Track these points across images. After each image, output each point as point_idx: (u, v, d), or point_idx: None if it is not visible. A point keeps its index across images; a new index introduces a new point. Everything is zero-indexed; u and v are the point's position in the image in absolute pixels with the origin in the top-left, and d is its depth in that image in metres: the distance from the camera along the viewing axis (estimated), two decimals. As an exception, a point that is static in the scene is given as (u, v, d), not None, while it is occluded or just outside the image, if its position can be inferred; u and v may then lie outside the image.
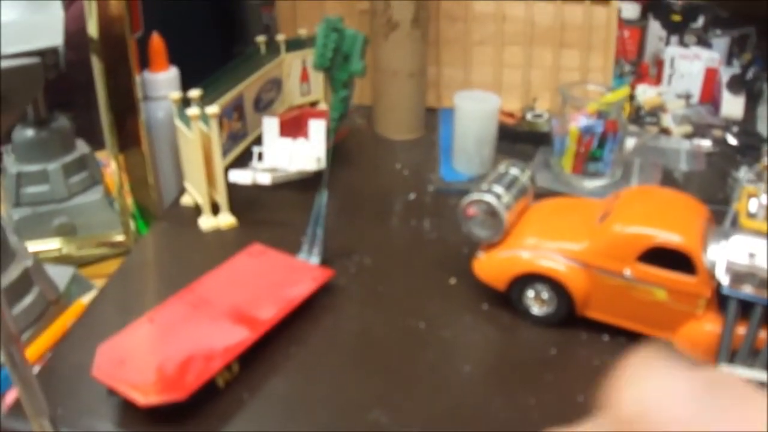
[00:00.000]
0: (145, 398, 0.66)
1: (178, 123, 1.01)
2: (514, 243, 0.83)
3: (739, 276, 0.71)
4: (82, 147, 1.15)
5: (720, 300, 0.73)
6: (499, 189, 0.83)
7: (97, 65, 1.00)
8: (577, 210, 0.86)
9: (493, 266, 0.83)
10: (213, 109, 0.94)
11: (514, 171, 0.87)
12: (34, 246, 1.08)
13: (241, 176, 1.00)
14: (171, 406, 0.67)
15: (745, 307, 0.71)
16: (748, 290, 0.71)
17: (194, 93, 0.99)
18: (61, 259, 1.09)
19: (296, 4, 1.37)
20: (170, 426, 0.68)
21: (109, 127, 1.04)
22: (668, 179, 1.13)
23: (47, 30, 1.03)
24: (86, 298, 0.96)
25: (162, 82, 1.10)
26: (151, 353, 0.72)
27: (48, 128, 1.10)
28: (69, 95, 1.26)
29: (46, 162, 1.09)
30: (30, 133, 1.09)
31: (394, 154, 1.23)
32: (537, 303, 0.81)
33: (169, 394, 0.67)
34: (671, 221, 0.76)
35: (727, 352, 0.69)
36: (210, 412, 0.70)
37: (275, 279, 0.85)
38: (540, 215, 0.87)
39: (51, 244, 1.11)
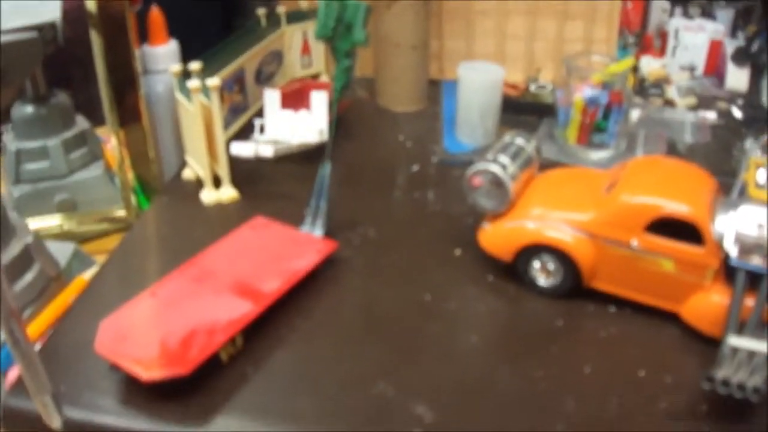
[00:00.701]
0: (147, 373, 0.66)
1: (179, 96, 1.00)
2: (519, 213, 0.82)
3: (747, 247, 0.71)
4: (81, 123, 1.15)
5: (728, 271, 0.72)
6: (504, 159, 0.82)
7: (96, 40, 1.00)
8: (583, 180, 0.85)
9: (498, 237, 0.83)
10: (214, 81, 0.93)
11: (519, 141, 0.86)
12: (34, 223, 1.08)
13: (243, 149, 0.99)
14: (174, 381, 0.66)
15: (754, 279, 0.70)
16: (756, 261, 0.70)
17: (195, 66, 0.98)
18: (62, 236, 1.09)
19: (297, -25, 1.36)
20: (173, 401, 0.67)
21: (109, 102, 1.03)
22: (673, 151, 1.13)
23: (45, 4, 1.02)
24: (87, 274, 0.96)
25: (162, 56, 1.10)
26: (154, 328, 0.71)
27: (47, 104, 1.10)
28: (67, 70, 1.26)
29: (46, 138, 1.09)
30: (29, 109, 1.09)
31: (396, 125, 1.23)
32: (543, 274, 0.81)
33: (172, 368, 0.66)
34: (679, 191, 0.75)
35: (736, 323, 0.68)
36: (214, 386, 0.69)
37: (279, 251, 0.84)
38: (546, 185, 0.86)
39: (52, 221, 1.11)
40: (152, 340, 0.69)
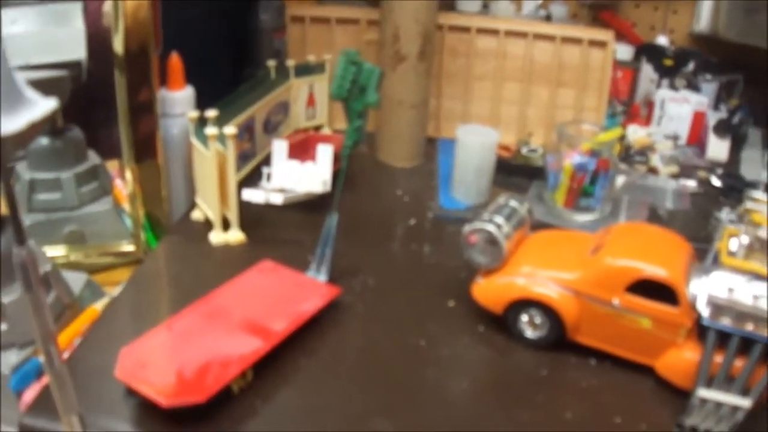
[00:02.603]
0: (166, 400, 0.71)
1: (195, 141, 1.06)
2: (511, 270, 0.88)
3: (718, 308, 0.78)
4: (93, 158, 1.18)
5: (700, 330, 0.79)
6: (499, 219, 0.89)
7: (119, 79, 1.04)
8: (570, 242, 0.92)
9: (490, 291, 0.89)
10: (231, 131, 0.99)
11: (513, 203, 0.93)
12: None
13: (254, 195, 1.05)
14: (188, 409, 0.71)
15: (723, 338, 0.77)
16: (726, 322, 0.77)
17: (211, 113, 1.04)
18: (68, 266, 1.11)
19: (306, 31, 1.43)
20: (186, 428, 0.72)
21: (127, 140, 1.07)
22: (654, 217, 1.19)
23: (70, 43, 1.06)
24: (99, 304, 1.00)
25: (178, 100, 1.14)
26: (171, 358, 0.77)
27: (62, 138, 1.13)
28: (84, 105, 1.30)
29: (59, 170, 1.12)
30: (45, 141, 1.12)
31: (395, 180, 1.29)
32: (530, 327, 0.87)
33: (189, 396, 0.71)
34: (658, 256, 0.82)
35: (705, 378, 0.75)
36: (225, 416, 0.74)
37: (286, 294, 0.90)
38: (536, 245, 0.93)
39: (58, 251, 1.14)
40: (170, 369, 0.74)
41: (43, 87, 1.00)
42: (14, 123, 0.50)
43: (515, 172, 1.29)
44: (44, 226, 1.13)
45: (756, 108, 1.50)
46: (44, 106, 0.54)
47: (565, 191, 1.15)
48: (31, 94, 0.54)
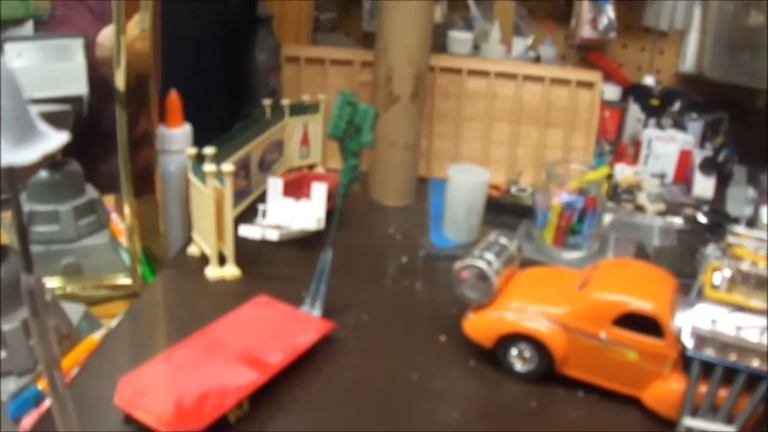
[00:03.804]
0: (165, 427, 0.72)
1: (192, 177, 1.08)
2: (501, 305, 0.90)
3: (702, 340, 0.80)
4: (90, 191, 1.20)
5: (685, 361, 0.81)
6: (489, 256, 0.91)
7: (120, 115, 1.05)
8: (559, 278, 0.94)
9: (481, 325, 0.91)
10: (229, 168, 1.01)
11: (503, 240, 0.95)
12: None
13: (250, 231, 1.07)
14: (186, 437, 0.73)
15: (707, 368, 0.79)
16: (709, 353, 0.79)
17: (209, 150, 1.05)
18: (64, 298, 1.12)
19: (301, 71, 1.47)
20: (184, 455, 0.74)
21: (126, 174, 1.09)
22: (641, 254, 1.21)
23: (71, 78, 1.08)
24: (96, 335, 1.01)
25: (176, 137, 1.16)
26: (170, 387, 0.78)
27: (61, 171, 1.15)
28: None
29: (58, 203, 1.14)
30: (44, 174, 1.14)
31: (387, 219, 1.31)
32: (520, 360, 0.89)
33: (187, 424, 0.73)
34: (643, 290, 0.84)
35: (690, 407, 0.77)
36: (221, 444, 0.76)
37: (281, 327, 0.92)
38: (525, 281, 0.95)
39: (54, 283, 1.15)
40: (169, 398, 0.76)
41: (46, 121, 1.02)
42: (28, 154, 0.52)
43: (505, 211, 1.32)
44: (42, 258, 1.14)
45: (741, 146, 1.53)
46: (56, 138, 0.56)
47: (553, 229, 1.17)
48: (43, 126, 0.57)
